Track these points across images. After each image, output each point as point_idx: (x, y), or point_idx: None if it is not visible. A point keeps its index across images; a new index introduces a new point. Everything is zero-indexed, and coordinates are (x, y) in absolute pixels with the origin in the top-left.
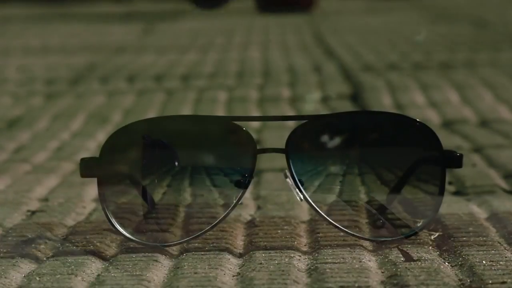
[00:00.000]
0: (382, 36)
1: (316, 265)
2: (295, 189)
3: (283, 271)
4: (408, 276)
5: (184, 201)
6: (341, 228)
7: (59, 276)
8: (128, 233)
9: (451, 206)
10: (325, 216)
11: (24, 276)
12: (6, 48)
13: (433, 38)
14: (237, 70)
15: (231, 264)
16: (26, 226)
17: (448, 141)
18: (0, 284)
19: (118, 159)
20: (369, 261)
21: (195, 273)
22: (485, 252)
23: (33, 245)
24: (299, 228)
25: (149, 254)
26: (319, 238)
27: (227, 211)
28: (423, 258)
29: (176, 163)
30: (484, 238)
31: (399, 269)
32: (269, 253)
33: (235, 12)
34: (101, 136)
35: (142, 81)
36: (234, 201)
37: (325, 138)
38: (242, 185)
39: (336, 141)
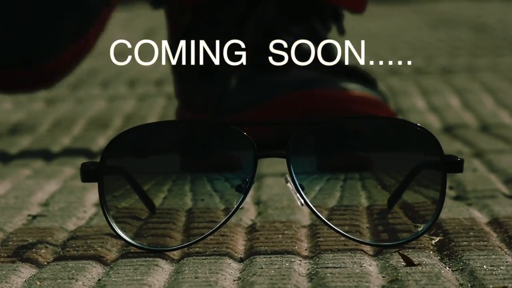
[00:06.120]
0: (382, 41)
1: (317, 269)
2: (296, 194)
3: (283, 275)
4: (409, 280)
5: (185, 205)
6: (342, 233)
7: (59, 280)
8: (129, 238)
9: (451, 211)
10: (326, 220)
11: (25, 280)
12: None
13: (434, 43)
14: None
15: (232, 268)
16: (26, 230)
17: (448, 145)
18: None
19: (119, 164)
20: (370, 265)
21: (196, 277)
22: (486, 256)
23: (33, 249)
24: (299, 233)
25: (150, 259)
26: (319, 243)
27: (228, 216)
28: (424, 262)
29: (177, 168)
30: (485, 243)
31: (400, 274)
32: (270, 257)
33: None
34: (102, 141)
35: (143, 86)
36: (235, 206)
37: (326, 142)
38: (243, 189)
39: (337, 145)
